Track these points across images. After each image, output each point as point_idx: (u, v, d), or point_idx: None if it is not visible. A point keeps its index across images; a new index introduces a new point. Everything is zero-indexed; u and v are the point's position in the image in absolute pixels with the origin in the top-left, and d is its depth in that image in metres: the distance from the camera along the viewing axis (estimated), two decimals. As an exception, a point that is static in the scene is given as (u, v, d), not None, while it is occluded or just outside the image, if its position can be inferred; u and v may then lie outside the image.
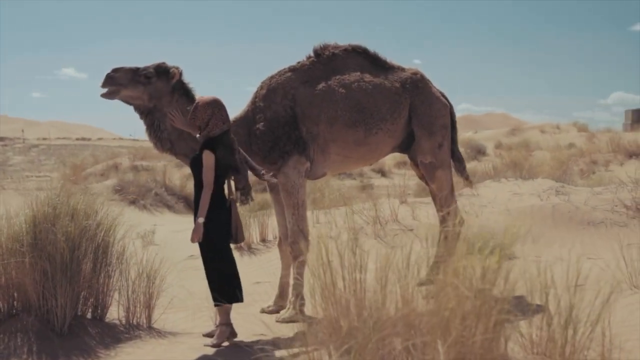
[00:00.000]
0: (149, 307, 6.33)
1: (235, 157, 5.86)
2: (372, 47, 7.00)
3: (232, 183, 6.04)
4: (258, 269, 9.10)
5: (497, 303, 3.54)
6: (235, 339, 5.84)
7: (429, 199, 11.79)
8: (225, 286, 5.76)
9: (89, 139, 61.13)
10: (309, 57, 6.80)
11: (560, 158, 24.30)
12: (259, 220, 10.49)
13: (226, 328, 5.76)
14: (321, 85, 6.57)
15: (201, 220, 5.67)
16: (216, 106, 5.83)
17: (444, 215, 7.01)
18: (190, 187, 20.32)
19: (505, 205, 10.37)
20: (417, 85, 6.84)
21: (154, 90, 6.30)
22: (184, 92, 6.41)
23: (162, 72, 6.34)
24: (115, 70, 6.27)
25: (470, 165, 22.95)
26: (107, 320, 6.29)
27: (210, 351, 5.63)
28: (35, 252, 5.92)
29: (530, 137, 37.53)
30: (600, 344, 3.80)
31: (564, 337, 3.73)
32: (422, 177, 7.27)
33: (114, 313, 6.36)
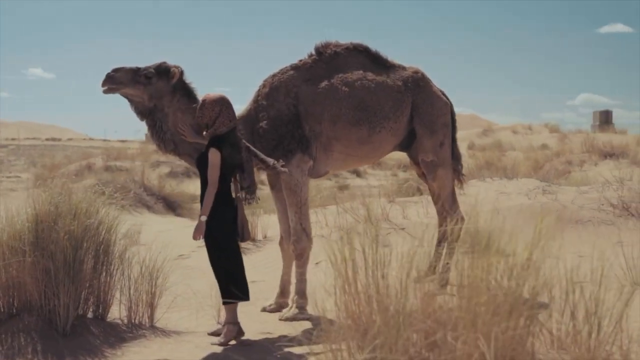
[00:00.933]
0: (151, 306, 6.28)
1: (242, 155, 5.85)
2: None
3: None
4: (251, 268, 9.04)
5: (527, 300, 3.57)
6: (242, 338, 5.81)
7: (417, 198, 11.91)
8: (232, 284, 5.74)
9: (59, 140, 60.47)
10: (310, 55, 6.80)
11: (535, 158, 24.58)
12: (248, 220, 10.44)
13: (234, 327, 5.74)
14: (324, 84, 6.57)
15: (204, 218, 5.65)
16: (223, 104, 5.81)
17: (444, 214, 7.04)
18: (169, 187, 20.23)
19: (494, 205, 10.43)
20: (419, 83, 6.87)
21: (154, 90, 6.26)
22: (185, 92, 6.36)
23: (163, 71, 6.29)
24: (115, 70, 6.23)
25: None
26: (108, 319, 6.24)
27: (218, 350, 5.61)
28: (37, 250, 5.86)
29: (502, 137, 37.88)
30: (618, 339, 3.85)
31: (588, 333, 3.76)
32: (421, 176, 7.30)
33: (115, 312, 6.30)
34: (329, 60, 6.74)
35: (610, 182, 10.97)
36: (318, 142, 6.55)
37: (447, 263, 6.81)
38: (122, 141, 49.34)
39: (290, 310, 6.45)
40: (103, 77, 6.26)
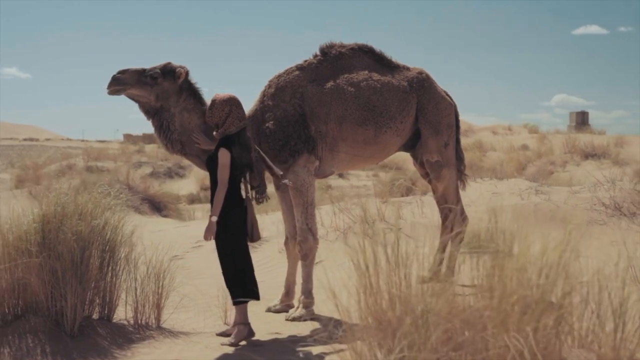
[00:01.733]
0: (158, 307, 6.26)
1: (251, 155, 5.85)
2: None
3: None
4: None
5: (557, 299, 3.60)
6: (253, 338, 5.81)
7: (410, 198, 11.95)
8: (242, 285, 5.74)
9: (37, 140, 60.02)
10: (315, 56, 6.81)
11: (518, 159, 24.75)
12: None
13: (244, 327, 5.73)
14: (330, 84, 6.58)
15: (214, 218, 5.64)
16: (233, 104, 5.81)
17: (448, 214, 7.08)
18: (153, 188, 20.17)
19: (488, 205, 10.49)
20: (424, 84, 6.90)
21: (160, 91, 6.23)
22: (191, 92, 6.34)
23: (168, 72, 6.27)
24: (121, 72, 6.20)
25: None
26: (114, 320, 6.20)
27: (230, 350, 5.60)
28: (45, 251, 5.82)
29: (482, 138, 38.04)
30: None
31: (613, 331, 3.79)
32: (424, 176, 7.33)
33: (121, 313, 6.27)
34: (334, 60, 6.75)
35: (602, 182, 11.06)
36: (324, 143, 6.55)
37: (452, 264, 6.89)
38: (101, 141, 49.09)
39: (297, 310, 6.45)
40: (108, 79, 6.24)
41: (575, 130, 42.28)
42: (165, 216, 18.46)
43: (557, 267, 3.65)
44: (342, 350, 4.19)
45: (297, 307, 6.49)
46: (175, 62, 6.37)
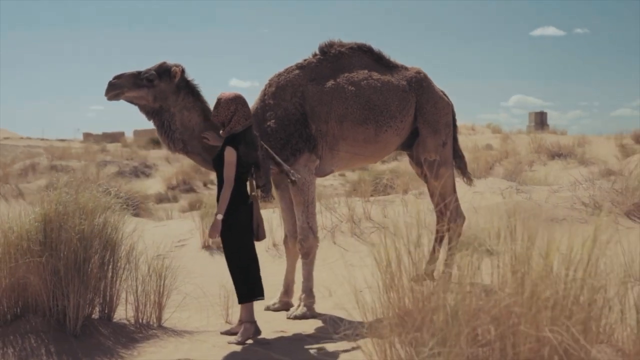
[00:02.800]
0: (159, 306, 6.23)
1: (258, 153, 5.85)
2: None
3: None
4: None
5: (586, 297, 3.66)
6: (259, 337, 5.81)
7: (392, 197, 12.01)
8: (248, 283, 5.74)
9: (-5, 138, 58.85)
10: (315, 55, 6.83)
11: (485, 159, 24.98)
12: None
13: (251, 325, 5.74)
14: (330, 83, 6.61)
15: (220, 216, 5.63)
16: (239, 102, 5.80)
17: (445, 213, 7.15)
18: (123, 186, 19.95)
19: (471, 204, 10.61)
20: (422, 84, 6.96)
21: (158, 92, 6.22)
22: (188, 89, 6.33)
23: (164, 72, 6.25)
24: (116, 77, 6.19)
25: (392, 166, 23.41)
26: (114, 319, 6.16)
27: (237, 348, 5.59)
28: (47, 250, 5.77)
29: (447, 138, 38.31)
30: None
31: (637, 328, 3.87)
32: (421, 175, 7.40)
33: (121, 312, 6.23)
34: (334, 59, 6.78)
35: (580, 181, 11.25)
36: (324, 142, 6.57)
37: (450, 262, 6.95)
38: (62, 140, 48.38)
39: (299, 308, 6.47)
40: (105, 86, 6.23)
41: (534, 130, 42.77)
42: (136, 215, 18.30)
43: (587, 264, 3.71)
44: (361, 347, 4.22)
45: (299, 306, 6.51)
46: (170, 61, 6.36)
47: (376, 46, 7.01)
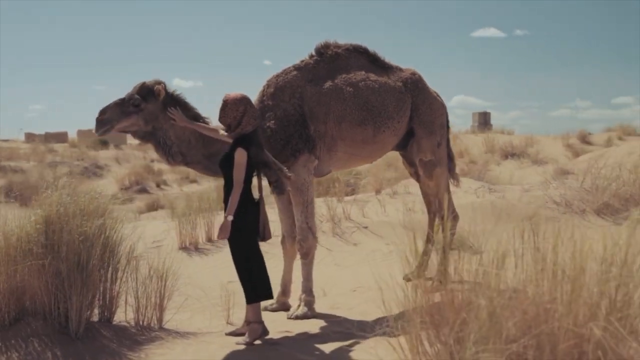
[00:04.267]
0: (160, 308, 6.18)
1: (265, 152, 5.85)
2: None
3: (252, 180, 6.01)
4: (224, 268, 9.00)
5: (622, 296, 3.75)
6: (267, 337, 5.81)
7: (366, 196, 12.09)
8: (256, 284, 5.74)
9: None
10: (311, 56, 6.86)
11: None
12: (205, 220, 10.35)
13: (259, 326, 5.73)
14: (328, 84, 6.65)
15: (230, 218, 5.60)
16: (247, 102, 5.78)
17: (439, 212, 7.26)
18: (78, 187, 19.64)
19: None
20: (418, 85, 7.05)
21: (147, 114, 6.23)
22: (175, 102, 6.33)
23: (147, 93, 6.24)
24: (102, 112, 6.16)
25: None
26: (114, 322, 6.10)
27: (246, 349, 5.58)
28: (49, 253, 5.68)
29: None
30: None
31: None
32: (413, 175, 7.50)
33: (120, 315, 6.18)
34: (331, 61, 6.82)
35: (550, 181, 11.51)
36: (322, 142, 6.61)
37: (446, 262, 7.03)
38: (5, 140, 47.41)
39: (299, 308, 6.48)
40: (94, 124, 6.22)
41: (478, 130, 43.39)
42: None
43: (623, 264, 3.81)
44: (392, 344, 4.25)
45: (299, 305, 6.52)
46: (147, 79, 6.35)
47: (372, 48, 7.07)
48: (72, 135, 58.61)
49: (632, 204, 10.63)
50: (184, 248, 10.10)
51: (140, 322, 6.14)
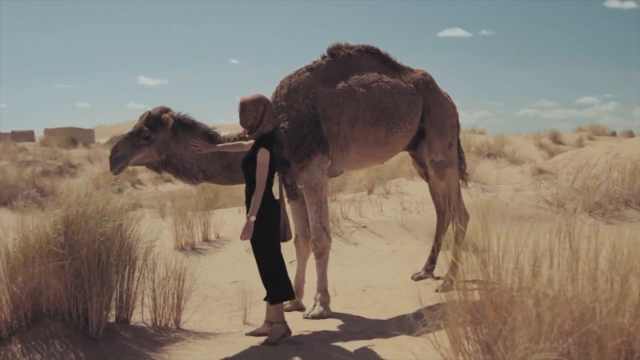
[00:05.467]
0: (178, 309, 6.17)
1: (284, 151, 5.86)
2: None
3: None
4: (219, 269, 8.99)
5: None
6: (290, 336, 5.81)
7: (359, 196, 12.14)
8: (280, 284, 5.74)
9: None
10: (324, 57, 6.88)
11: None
12: (201, 219, 10.33)
13: (282, 325, 5.73)
14: (341, 85, 6.67)
15: (253, 218, 5.59)
16: (266, 101, 5.80)
17: (450, 212, 7.33)
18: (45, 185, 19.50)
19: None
20: (429, 86, 7.10)
21: (159, 144, 6.26)
22: (183, 125, 6.37)
23: (155, 123, 6.25)
24: (114, 151, 6.17)
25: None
26: (132, 323, 6.07)
27: (270, 349, 5.57)
28: (70, 254, 5.64)
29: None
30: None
31: None
32: (423, 175, 7.57)
33: (137, 315, 6.15)
34: (343, 62, 6.84)
35: (540, 180, 11.66)
36: (335, 143, 6.63)
37: (456, 261, 7.10)
38: (-29, 139, 46.78)
39: (315, 308, 6.50)
40: (108, 164, 6.25)
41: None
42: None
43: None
44: (435, 342, 4.28)
45: (314, 305, 6.53)
46: (150, 106, 6.40)
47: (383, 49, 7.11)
48: (40, 133, 58.05)
49: (622, 203, 10.82)
50: (180, 248, 10.06)
51: (158, 323, 6.12)
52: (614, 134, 37.83)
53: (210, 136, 6.41)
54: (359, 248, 9.35)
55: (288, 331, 5.78)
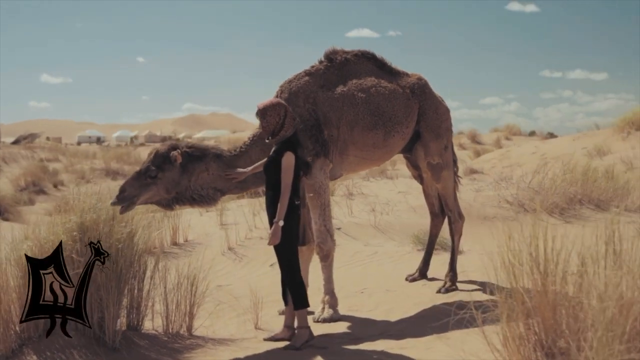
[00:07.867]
0: (190, 316, 6.08)
1: (304, 152, 5.85)
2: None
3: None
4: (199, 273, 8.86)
5: None
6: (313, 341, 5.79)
7: (338, 199, 12.14)
8: (301, 289, 5.73)
9: None
10: (321, 62, 6.95)
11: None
12: (170, 222, 10.15)
13: (305, 330, 5.72)
14: (340, 90, 6.75)
15: (282, 223, 5.55)
16: (285, 106, 5.79)
17: (446, 213, 7.47)
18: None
19: (407, 204, 11.00)
20: (424, 90, 7.21)
21: (167, 182, 6.23)
22: (191, 158, 6.33)
23: (162, 161, 6.20)
24: (121, 190, 6.06)
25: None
26: (144, 330, 5.94)
27: (296, 354, 5.55)
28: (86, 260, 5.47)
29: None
30: None
31: None
32: (417, 177, 7.69)
33: (148, 323, 6.03)
34: (341, 66, 6.92)
35: (499, 181, 11.94)
36: (334, 146, 6.68)
37: (455, 262, 7.22)
38: None
39: (325, 311, 6.51)
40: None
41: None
42: (6, 220, 17.34)
43: None
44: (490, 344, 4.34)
45: (323, 308, 6.55)
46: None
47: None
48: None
49: (577, 202, 11.19)
50: (149, 252, 9.83)
51: (170, 330, 6.03)
52: (532, 133, 39.16)
53: (218, 155, 6.39)
54: (339, 250, 9.36)
55: (312, 336, 5.77)
